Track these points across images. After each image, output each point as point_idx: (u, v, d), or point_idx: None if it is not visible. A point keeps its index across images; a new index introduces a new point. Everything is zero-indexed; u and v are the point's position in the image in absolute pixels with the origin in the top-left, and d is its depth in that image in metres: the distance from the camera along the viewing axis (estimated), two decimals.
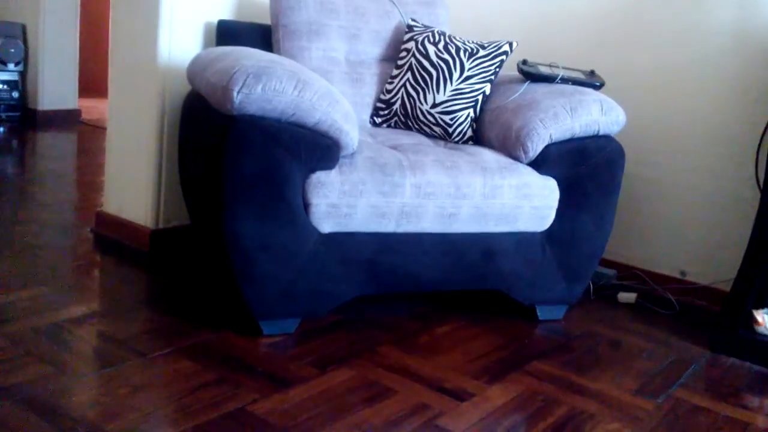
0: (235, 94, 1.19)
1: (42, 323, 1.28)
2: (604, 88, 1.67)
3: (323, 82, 1.29)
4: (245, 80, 1.19)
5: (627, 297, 1.76)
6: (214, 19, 1.75)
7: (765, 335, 1.47)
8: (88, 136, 3.29)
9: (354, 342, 1.36)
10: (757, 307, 1.51)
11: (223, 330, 1.34)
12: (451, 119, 1.61)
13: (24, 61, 3.37)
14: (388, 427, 1.07)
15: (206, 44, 1.75)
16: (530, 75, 1.61)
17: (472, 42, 1.66)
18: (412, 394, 1.18)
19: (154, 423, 1.01)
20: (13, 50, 3.30)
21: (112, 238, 1.81)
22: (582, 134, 1.50)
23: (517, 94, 1.57)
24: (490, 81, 1.63)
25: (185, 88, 1.67)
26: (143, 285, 1.56)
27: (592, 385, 1.29)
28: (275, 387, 1.15)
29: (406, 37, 1.72)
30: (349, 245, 1.33)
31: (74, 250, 1.72)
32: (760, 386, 1.36)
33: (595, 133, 1.51)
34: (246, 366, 1.21)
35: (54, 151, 2.93)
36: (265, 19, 1.79)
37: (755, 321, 1.48)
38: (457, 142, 1.62)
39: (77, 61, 3.51)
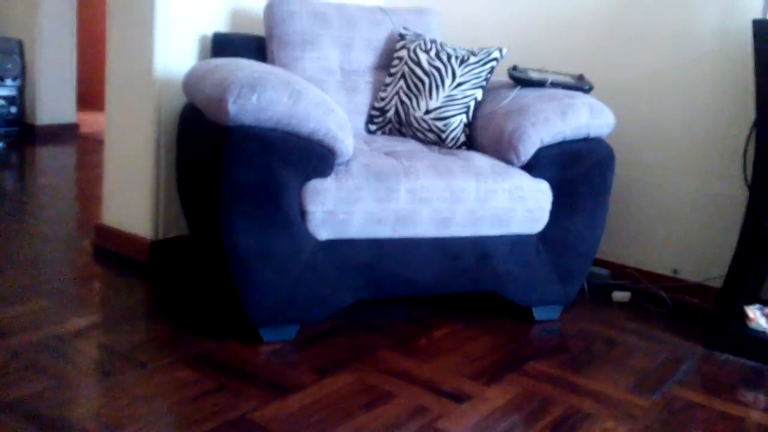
0: (230, 105, 1.21)
1: (42, 336, 1.29)
2: (593, 92, 1.70)
3: (317, 91, 1.31)
4: (240, 91, 1.21)
5: (621, 296, 1.77)
6: (209, 32, 1.77)
7: (757, 330, 1.49)
8: (87, 149, 3.30)
9: (353, 347, 1.37)
10: (749, 303, 1.53)
11: (223, 338, 1.35)
12: (444, 125, 1.63)
13: (21, 76, 3.39)
14: (387, 431, 1.08)
15: (201, 56, 1.77)
16: (521, 80, 1.63)
17: (463, 49, 1.68)
18: (411, 398, 1.19)
19: None
20: (9, 65, 3.32)
21: (112, 251, 1.82)
22: (572, 137, 1.52)
23: (508, 100, 1.59)
24: (482, 87, 1.65)
25: (181, 100, 1.69)
26: (143, 296, 1.57)
27: (589, 383, 1.30)
28: (275, 394, 1.16)
29: (398, 45, 1.75)
30: (346, 251, 1.34)
31: (74, 263, 1.73)
32: (754, 381, 1.38)
33: (586, 135, 1.54)
34: (246, 374, 1.22)
35: (53, 165, 2.95)
36: (260, 31, 1.81)
37: (747, 317, 1.50)
38: (450, 148, 1.64)
39: (75, 75, 3.53)
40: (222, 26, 1.82)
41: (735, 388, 1.34)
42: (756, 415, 1.24)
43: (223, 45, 1.70)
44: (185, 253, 1.79)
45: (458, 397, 1.20)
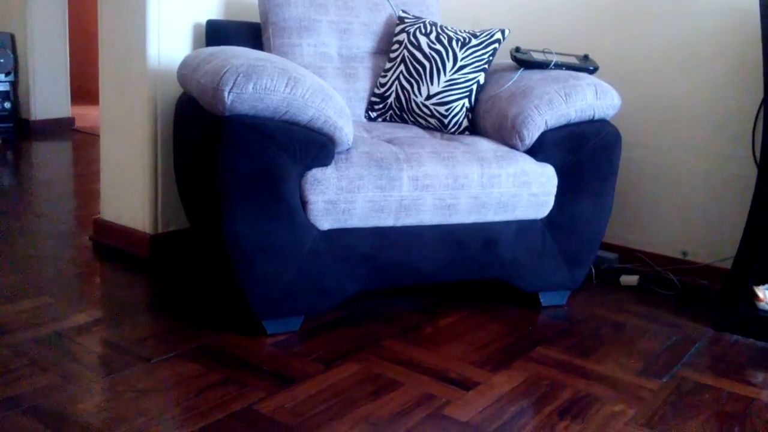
0: (226, 94, 1.18)
1: (45, 333, 1.28)
2: (598, 72, 1.66)
3: (315, 79, 1.28)
4: (236, 80, 1.18)
5: (629, 279, 1.76)
6: (203, 20, 1.74)
7: (766, 311, 1.47)
8: (83, 143, 3.28)
9: (358, 336, 1.36)
10: (758, 284, 1.51)
11: (227, 331, 1.34)
12: (447, 110, 1.60)
13: (14, 71, 3.35)
14: (395, 419, 1.07)
15: (196, 45, 1.74)
16: (524, 62, 1.60)
17: (464, 31, 1.65)
18: (417, 386, 1.18)
19: (161, 426, 1.01)
20: (2, 60, 3.28)
21: (111, 245, 1.81)
22: (577, 119, 1.49)
23: (511, 82, 1.56)
24: (484, 70, 1.62)
25: (177, 90, 1.66)
26: (145, 290, 1.55)
27: (597, 367, 1.29)
28: (281, 385, 1.15)
29: (398, 29, 1.71)
30: (348, 241, 1.32)
31: (74, 259, 1.72)
32: (764, 362, 1.37)
33: (591, 117, 1.51)
34: (251, 365, 1.21)
35: (49, 160, 2.93)
36: (255, 18, 1.77)
37: (756, 297, 1.48)
38: (453, 133, 1.62)
39: (68, 68, 3.49)
40: (216, 14, 1.78)
41: (744, 369, 1.33)
42: (765, 396, 1.23)
43: (217, 33, 1.67)
44: (186, 247, 1.78)
45: (465, 384, 1.20)
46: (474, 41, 1.61)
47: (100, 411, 1.04)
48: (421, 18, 1.72)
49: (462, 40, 1.62)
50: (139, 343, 1.27)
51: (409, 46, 1.65)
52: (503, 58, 1.73)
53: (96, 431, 0.98)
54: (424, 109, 1.62)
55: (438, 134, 1.61)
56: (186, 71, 1.38)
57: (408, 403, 1.13)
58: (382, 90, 1.69)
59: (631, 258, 1.87)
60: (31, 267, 1.62)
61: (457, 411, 1.11)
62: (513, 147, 1.48)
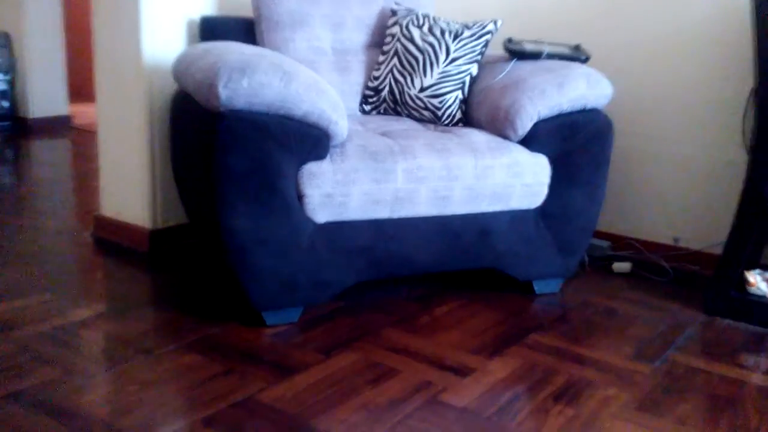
0: (221, 90, 1.19)
1: (48, 327, 1.30)
2: (590, 62, 1.67)
3: (309, 73, 1.29)
4: (230, 75, 1.19)
5: (622, 267, 1.78)
6: (197, 16, 1.74)
7: (757, 295, 1.50)
8: (81, 141, 3.29)
9: (356, 326, 1.38)
10: (749, 269, 1.53)
11: (228, 323, 1.36)
12: (440, 102, 1.61)
13: (11, 69, 3.35)
14: (393, 406, 1.10)
15: (190, 41, 1.75)
16: (516, 53, 1.61)
17: (457, 23, 1.65)
18: (415, 373, 1.21)
19: (164, 417, 1.03)
20: None
21: (112, 241, 1.82)
22: (570, 109, 1.51)
23: (503, 73, 1.57)
24: (477, 61, 1.63)
25: (172, 86, 1.67)
26: (146, 284, 1.57)
27: (590, 353, 1.32)
28: (281, 375, 1.18)
29: (391, 21, 1.72)
30: (345, 234, 1.34)
31: (75, 255, 1.74)
32: (754, 345, 1.39)
33: (583, 107, 1.52)
34: (252, 356, 1.24)
35: (48, 158, 2.94)
36: (248, 13, 1.78)
37: (747, 282, 1.50)
38: (446, 125, 1.63)
39: (64, 66, 3.49)
40: (209, 9, 1.79)
41: (736, 352, 1.35)
42: (757, 379, 1.25)
43: (211, 29, 1.67)
44: (185, 241, 1.79)
45: (461, 371, 1.22)
46: (466, 33, 1.62)
47: (104, 403, 1.06)
48: (414, 10, 1.73)
49: (454, 32, 1.62)
50: (141, 336, 1.29)
51: (402, 39, 1.66)
52: (496, 49, 1.74)
53: (100, 423, 1.01)
54: (418, 102, 1.63)
55: (432, 126, 1.62)
56: (181, 67, 1.39)
57: (406, 390, 1.15)
58: (376, 83, 1.70)
59: (623, 245, 1.89)
60: (33, 264, 1.64)
61: (453, 397, 1.13)
62: (506, 138, 1.49)
